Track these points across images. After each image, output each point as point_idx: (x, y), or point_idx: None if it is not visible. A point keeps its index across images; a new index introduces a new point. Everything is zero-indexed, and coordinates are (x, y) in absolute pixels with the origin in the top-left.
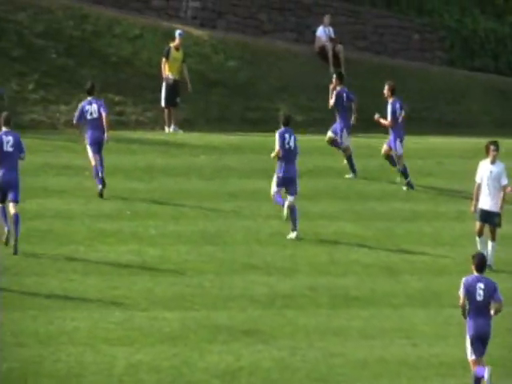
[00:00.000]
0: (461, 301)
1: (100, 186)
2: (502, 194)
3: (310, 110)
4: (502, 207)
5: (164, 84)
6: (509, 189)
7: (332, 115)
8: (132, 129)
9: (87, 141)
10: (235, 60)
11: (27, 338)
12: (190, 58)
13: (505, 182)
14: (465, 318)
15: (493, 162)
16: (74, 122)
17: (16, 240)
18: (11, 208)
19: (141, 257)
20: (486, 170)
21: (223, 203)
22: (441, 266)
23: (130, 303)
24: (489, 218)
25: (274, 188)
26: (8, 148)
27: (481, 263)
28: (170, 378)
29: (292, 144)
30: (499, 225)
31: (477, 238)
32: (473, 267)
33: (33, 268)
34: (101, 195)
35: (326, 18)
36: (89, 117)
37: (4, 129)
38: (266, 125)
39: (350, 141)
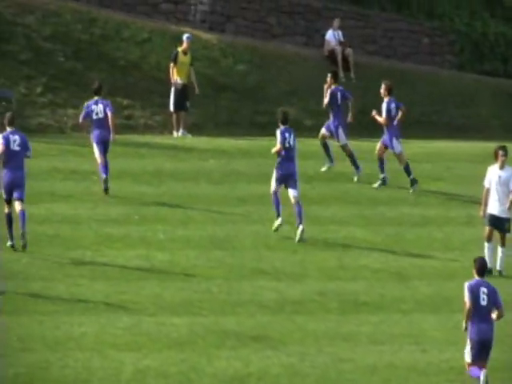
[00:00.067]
0: (467, 305)
1: (104, 187)
2: (510, 199)
3: (319, 114)
4: (509, 208)
5: (172, 89)
6: None
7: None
8: (140, 133)
9: (93, 139)
10: (244, 64)
11: (34, 343)
12: (198, 61)
13: None
14: (466, 322)
15: (501, 167)
16: (80, 120)
17: (23, 234)
18: (17, 206)
19: (149, 262)
20: (494, 175)
21: (232, 208)
22: (451, 271)
23: (137, 308)
24: (498, 224)
25: (273, 184)
26: (15, 147)
27: (482, 267)
28: (178, 383)
29: (292, 143)
30: (508, 230)
31: (485, 244)
32: (474, 271)
33: (40, 273)
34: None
35: (336, 22)
36: (95, 116)
37: (9, 129)
38: (275, 129)
39: (346, 139)
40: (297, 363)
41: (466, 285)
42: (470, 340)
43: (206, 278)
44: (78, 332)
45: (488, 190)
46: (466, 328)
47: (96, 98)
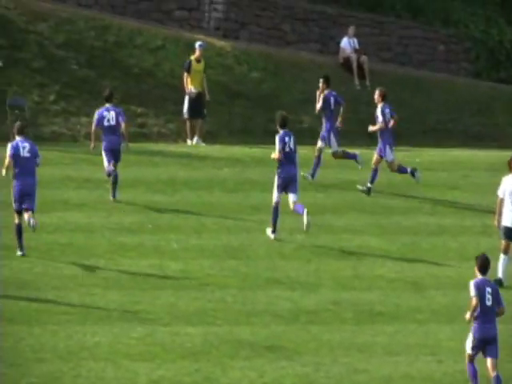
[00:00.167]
0: (474, 302)
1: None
2: None
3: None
4: None
5: (187, 97)
6: None
7: (357, 126)
8: (154, 141)
9: (103, 147)
10: (258, 71)
11: (47, 353)
12: (212, 69)
13: None
14: (469, 320)
15: None
16: (93, 127)
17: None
18: (26, 216)
19: (162, 271)
20: (509, 185)
21: (246, 216)
22: (466, 280)
23: (151, 318)
24: None
25: (275, 194)
26: (25, 153)
27: (484, 265)
28: None
29: (292, 146)
30: None
31: (501, 255)
32: (476, 269)
33: (52, 282)
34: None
35: (351, 29)
36: (106, 123)
37: (18, 138)
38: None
39: (338, 146)
40: (311, 373)
41: (472, 282)
42: (473, 338)
43: (220, 287)
44: (91, 342)
45: (502, 201)
46: (470, 321)
47: (107, 105)
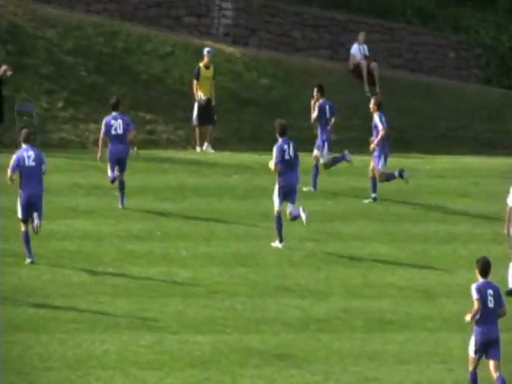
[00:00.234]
0: (476, 306)
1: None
2: None
3: (344, 128)
4: None
5: (196, 104)
6: None
7: (367, 134)
8: (163, 148)
9: (108, 156)
10: (268, 78)
11: (55, 361)
12: (221, 75)
13: None
14: (471, 319)
15: None
16: (101, 135)
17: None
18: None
19: (171, 278)
20: None
21: (256, 224)
22: None
23: (160, 326)
24: None
25: (276, 203)
26: (30, 162)
27: (485, 268)
28: None
29: (292, 154)
30: None
31: (511, 264)
32: (477, 272)
33: (61, 289)
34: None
35: (361, 36)
36: (113, 132)
37: (24, 146)
38: (299, 144)
39: (329, 153)
40: (321, 382)
41: (474, 286)
42: (475, 341)
43: (229, 295)
44: (99, 350)
45: (511, 209)
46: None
47: (114, 113)
